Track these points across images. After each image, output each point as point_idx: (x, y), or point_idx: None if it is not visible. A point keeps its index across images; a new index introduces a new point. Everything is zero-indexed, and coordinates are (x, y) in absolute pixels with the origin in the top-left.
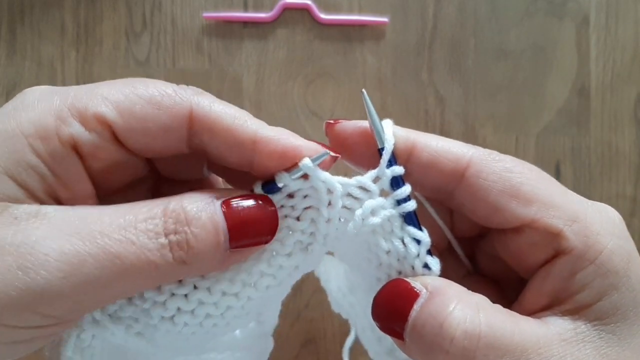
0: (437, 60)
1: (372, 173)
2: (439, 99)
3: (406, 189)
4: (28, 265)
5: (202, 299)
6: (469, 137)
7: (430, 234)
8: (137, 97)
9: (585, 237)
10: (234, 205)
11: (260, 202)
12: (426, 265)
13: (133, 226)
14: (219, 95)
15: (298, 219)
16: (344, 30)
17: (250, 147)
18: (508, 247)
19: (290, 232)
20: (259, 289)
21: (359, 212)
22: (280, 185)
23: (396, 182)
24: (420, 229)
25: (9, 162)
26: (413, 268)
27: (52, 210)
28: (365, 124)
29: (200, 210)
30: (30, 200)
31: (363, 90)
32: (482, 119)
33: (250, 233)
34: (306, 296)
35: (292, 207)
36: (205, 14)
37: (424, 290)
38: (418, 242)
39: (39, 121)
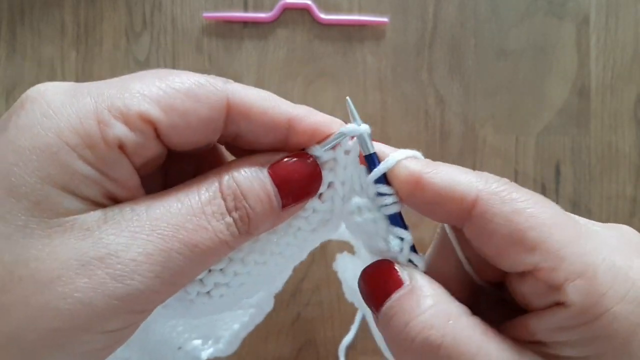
0: (437, 60)
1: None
2: (439, 99)
3: (388, 199)
4: (121, 273)
5: (237, 271)
6: (469, 137)
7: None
8: (174, 91)
9: (586, 296)
10: (280, 168)
11: (302, 159)
12: (411, 261)
13: (201, 211)
14: None
15: (320, 197)
16: (344, 30)
17: (286, 127)
18: (514, 289)
19: (314, 212)
20: (285, 256)
21: (346, 207)
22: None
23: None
24: (405, 228)
25: (64, 178)
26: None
27: (117, 212)
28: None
29: (252, 182)
30: (93, 207)
31: (348, 97)
32: (482, 119)
33: (298, 192)
34: (306, 296)
35: None
36: (205, 14)
37: (408, 282)
38: (402, 239)
39: (82, 128)
